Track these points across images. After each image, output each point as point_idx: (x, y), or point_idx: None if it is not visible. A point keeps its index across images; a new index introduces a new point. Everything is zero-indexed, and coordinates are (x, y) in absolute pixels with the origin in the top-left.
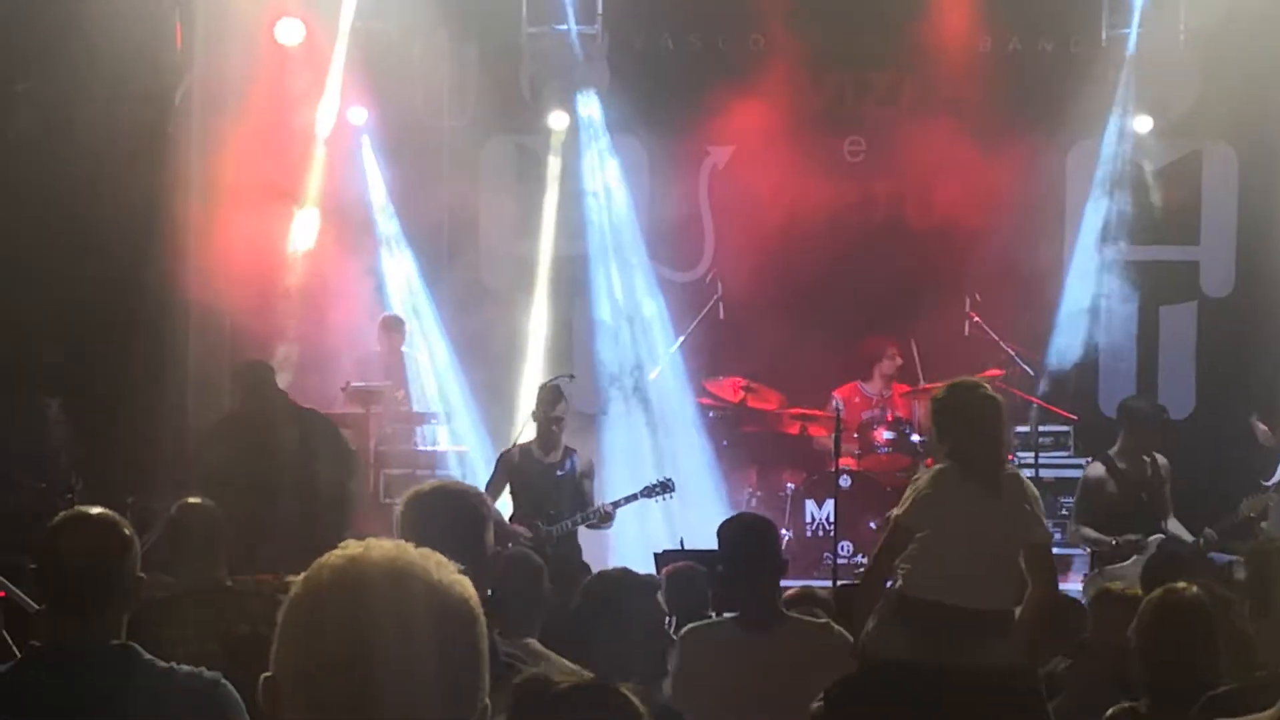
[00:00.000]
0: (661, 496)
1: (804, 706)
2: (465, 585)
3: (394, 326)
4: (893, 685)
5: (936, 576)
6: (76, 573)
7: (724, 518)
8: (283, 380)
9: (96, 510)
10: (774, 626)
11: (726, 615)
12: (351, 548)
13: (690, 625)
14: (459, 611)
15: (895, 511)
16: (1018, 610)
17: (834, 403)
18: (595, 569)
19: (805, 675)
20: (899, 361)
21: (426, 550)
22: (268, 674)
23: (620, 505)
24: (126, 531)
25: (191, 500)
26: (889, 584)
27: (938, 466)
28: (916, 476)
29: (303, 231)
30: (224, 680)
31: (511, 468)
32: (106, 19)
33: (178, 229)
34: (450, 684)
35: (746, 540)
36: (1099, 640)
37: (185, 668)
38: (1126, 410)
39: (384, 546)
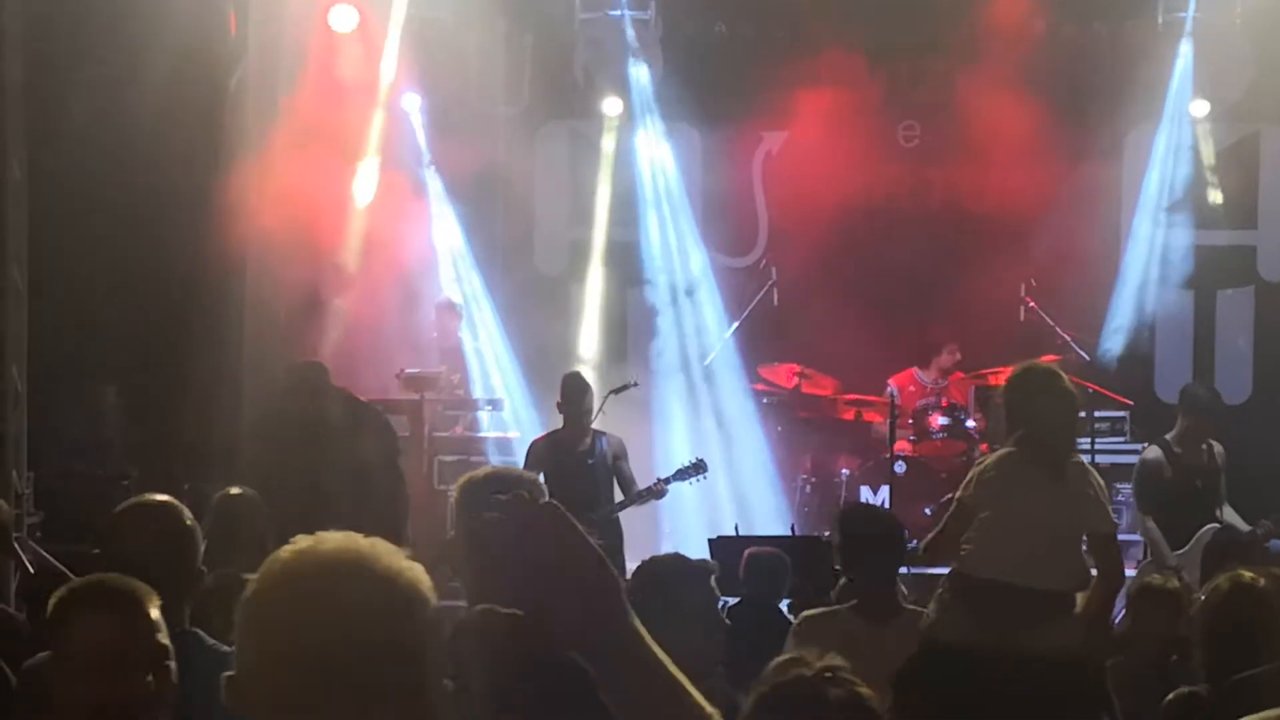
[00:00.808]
0: (695, 478)
1: None
2: (415, 573)
3: (451, 311)
4: (958, 668)
5: (996, 557)
6: (140, 559)
7: (778, 505)
8: (338, 367)
9: (160, 498)
10: (894, 617)
11: (843, 605)
12: (300, 541)
13: (808, 613)
14: (406, 600)
15: (958, 493)
16: (1079, 595)
17: (889, 389)
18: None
19: None
20: (958, 357)
21: (376, 540)
22: (229, 673)
23: (666, 485)
24: (189, 519)
25: (233, 491)
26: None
27: (1004, 449)
28: (981, 459)
29: (358, 218)
30: None
31: (540, 458)
32: (162, 7)
33: (233, 216)
34: (399, 673)
35: (871, 529)
36: (1139, 633)
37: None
38: (1187, 396)
39: (334, 539)
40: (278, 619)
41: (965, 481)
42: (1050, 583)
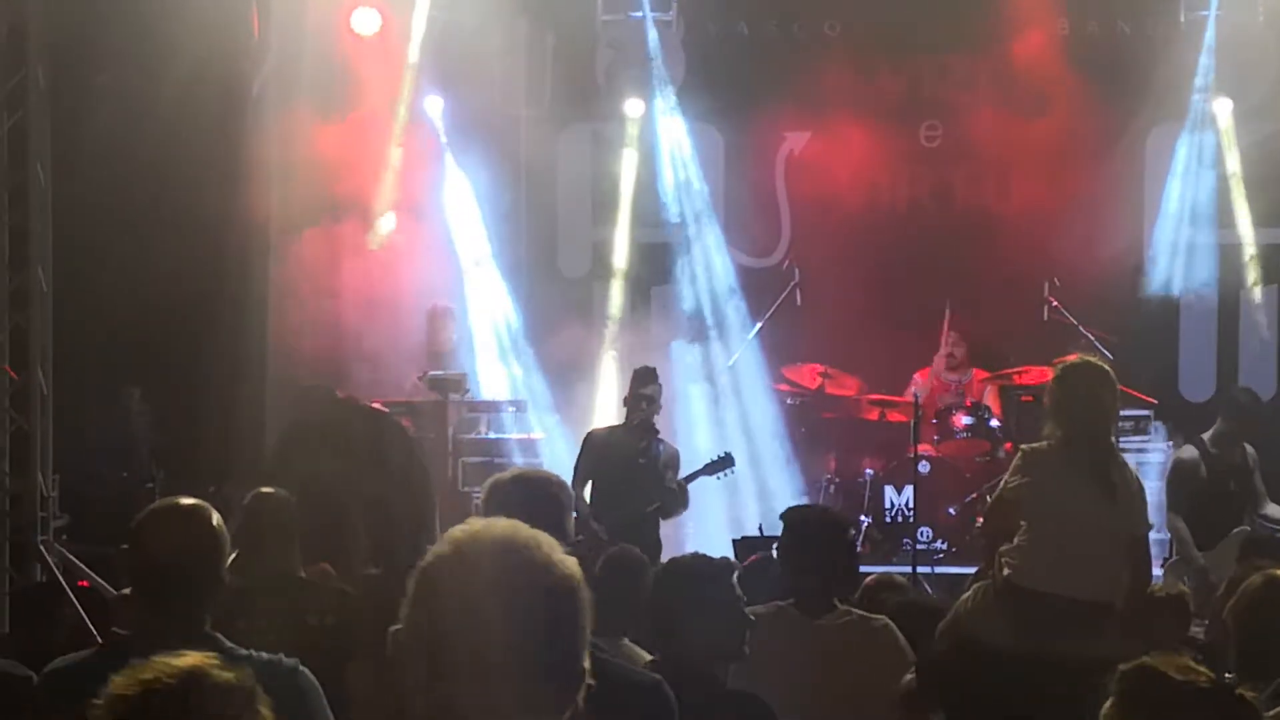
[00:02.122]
0: (723, 472)
1: (846, 700)
2: (570, 564)
3: (441, 316)
4: (991, 669)
5: (1045, 564)
6: (165, 563)
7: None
8: (360, 369)
9: (188, 501)
10: (828, 613)
11: (786, 601)
12: (473, 524)
13: (755, 609)
14: (562, 587)
15: (1000, 489)
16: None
17: (912, 389)
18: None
19: (848, 669)
20: (958, 348)
21: (538, 531)
22: (396, 626)
23: (687, 482)
24: (215, 523)
25: (265, 490)
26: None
27: (1042, 444)
28: (1024, 450)
29: (380, 220)
30: (302, 666)
31: (595, 447)
32: (184, 10)
33: (255, 219)
34: (552, 652)
35: (807, 531)
36: (1145, 641)
37: (264, 655)
38: (1229, 400)
39: (500, 524)
40: (443, 591)
41: (1008, 476)
42: (1097, 593)
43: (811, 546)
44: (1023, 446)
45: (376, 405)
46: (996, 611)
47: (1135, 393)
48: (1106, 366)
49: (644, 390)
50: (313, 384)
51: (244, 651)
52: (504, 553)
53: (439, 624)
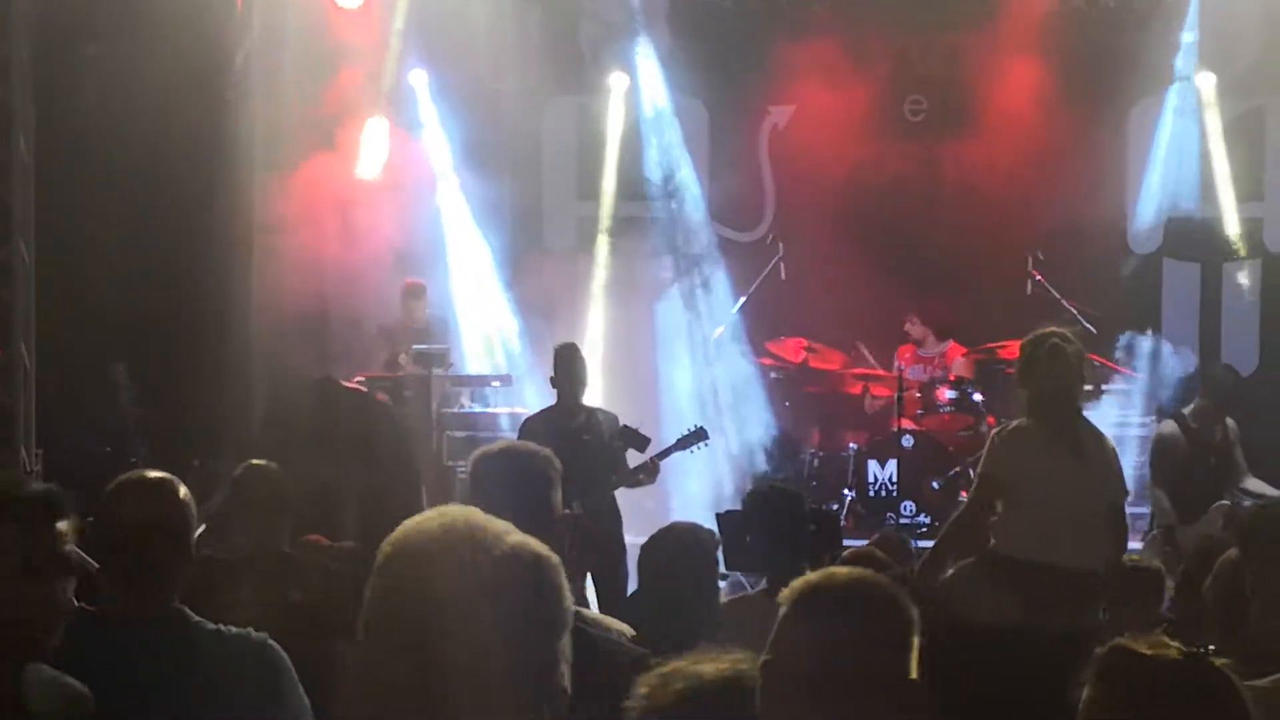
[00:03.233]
0: (697, 446)
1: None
2: (531, 548)
3: (413, 292)
4: (984, 644)
5: (1033, 535)
6: (131, 536)
7: (787, 480)
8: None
9: (154, 474)
10: None
11: (755, 590)
12: (428, 514)
13: (729, 599)
14: (517, 575)
15: (980, 467)
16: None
17: (896, 364)
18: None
19: None
20: (919, 329)
21: (493, 518)
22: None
23: (660, 459)
24: (182, 496)
25: (255, 462)
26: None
27: (1016, 421)
28: (999, 428)
29: (364, 193)
30: (271, 641)
31: (534, 436)
32: None
33: (240, 193)
34: (510, 641)
35: (766, 510)
36: (1120, 613)
37: (234, 630)
38: (1210, 378)
39: (453, 513)
40: (395, 582)
41: (985, 453)
42: (1082, 561)
43: (773, 525)
44: (995, 429)
45: (358, 386)
46: (986, 587)
47: (1117, 366)
48: (1071, 338)
49: (574, 371)
50: (295, 368)
51: (212, 626)
52: (456, 541)
53: (388, 615)
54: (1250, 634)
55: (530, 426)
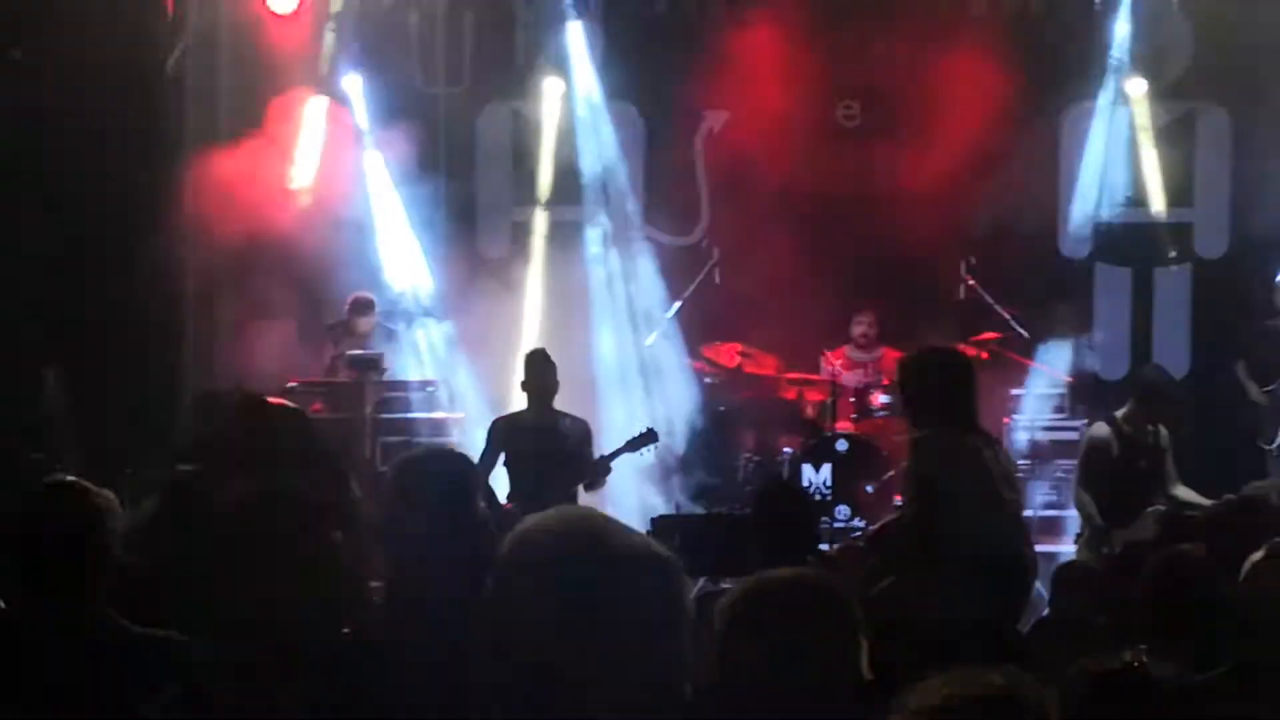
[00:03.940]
0: (646, 448)
1: None
2: (652, 549)
3: (360, 309)
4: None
5: (968, 535)
6: (45, 541)
7: (720, 484)
8: (280, 352)
9: (69, 479)
10: None
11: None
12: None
13: (712, 591)
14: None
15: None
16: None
17: (830, 368)
18: None
19: None
20: (870, 328)
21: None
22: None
23: (610, 460)
24: (99, 501)
25: (184, 468)
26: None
27: (933, 429)
28: (920, 436)
29: (298, 199)
30: (193, 643)
31: (501, 438)
32: None
33: (172, 197)
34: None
35: (783, 512)
36: (1060, 613)
37: (159, 632)
38: (1145, 381)
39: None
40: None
41: (915, 464)
42: (1017, 555)
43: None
44: (914, 437)
45: (285, 401)
46: (930, 587)
47: (1050, 370)
48: (959, 352)
49: (544, 377)
50: (214, 389)
51: (139, 630)
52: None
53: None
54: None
55: (497, 429)
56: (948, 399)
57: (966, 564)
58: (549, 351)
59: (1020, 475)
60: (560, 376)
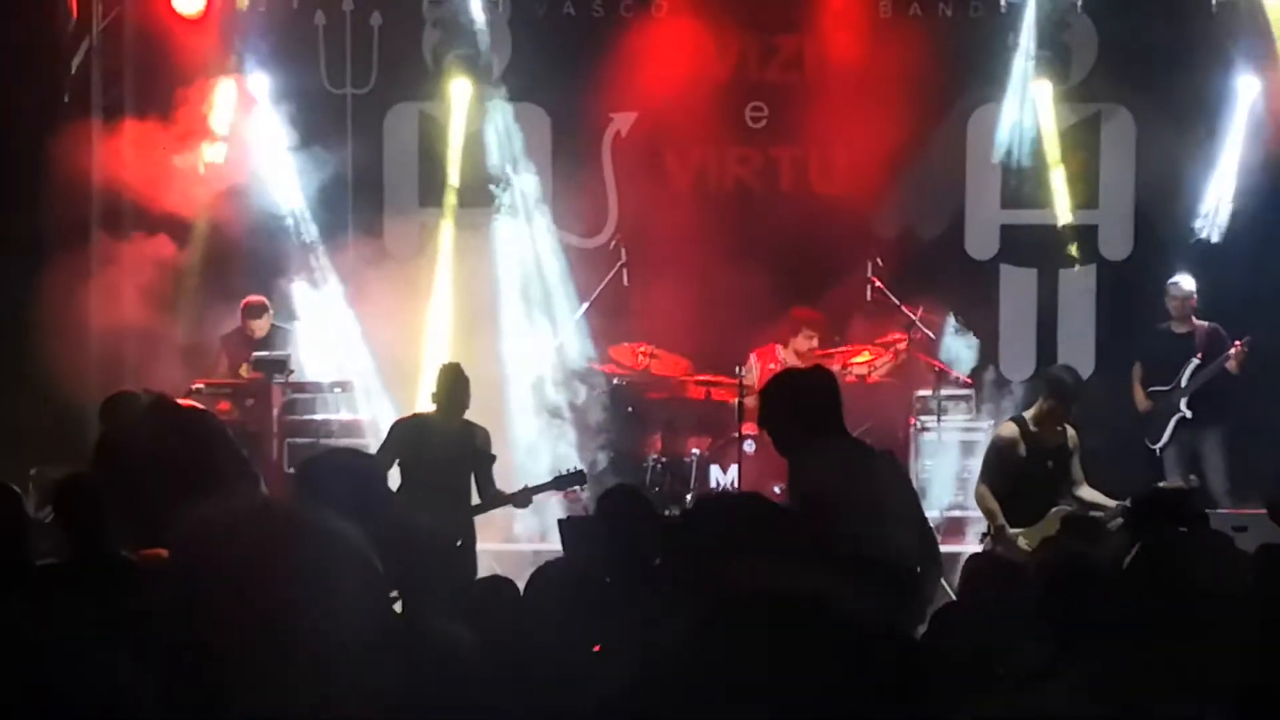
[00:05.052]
0: (575, 488)
1: None
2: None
3: (253, 313)
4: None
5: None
6: None
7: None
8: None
9: None
10: None
11: None
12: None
13: None
14: None
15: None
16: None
17: (736, 369)
18: (502, 537)
19: None
20: (814, 343)
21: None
22: None
23: (534, 493)
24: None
25: (74, 472)
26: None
27: (807, 448)
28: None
29: (205, 199)
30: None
31: (402, 440)
32: None
33: (78, 197)
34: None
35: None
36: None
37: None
38: (1053, 380)
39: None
40: None
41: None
42: (904, 557)
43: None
44: (799, 449)
45: (193, 403)
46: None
47: (954, 372)
48: (820, 368)
49: (454, 392)
50: (122, 391)
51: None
52: None
53: None
54: None
55: (400, 430)
56: (817, 416)
57: (855, 571)
58: (458, 355)
59: (916, 479)
60: (468, 375)
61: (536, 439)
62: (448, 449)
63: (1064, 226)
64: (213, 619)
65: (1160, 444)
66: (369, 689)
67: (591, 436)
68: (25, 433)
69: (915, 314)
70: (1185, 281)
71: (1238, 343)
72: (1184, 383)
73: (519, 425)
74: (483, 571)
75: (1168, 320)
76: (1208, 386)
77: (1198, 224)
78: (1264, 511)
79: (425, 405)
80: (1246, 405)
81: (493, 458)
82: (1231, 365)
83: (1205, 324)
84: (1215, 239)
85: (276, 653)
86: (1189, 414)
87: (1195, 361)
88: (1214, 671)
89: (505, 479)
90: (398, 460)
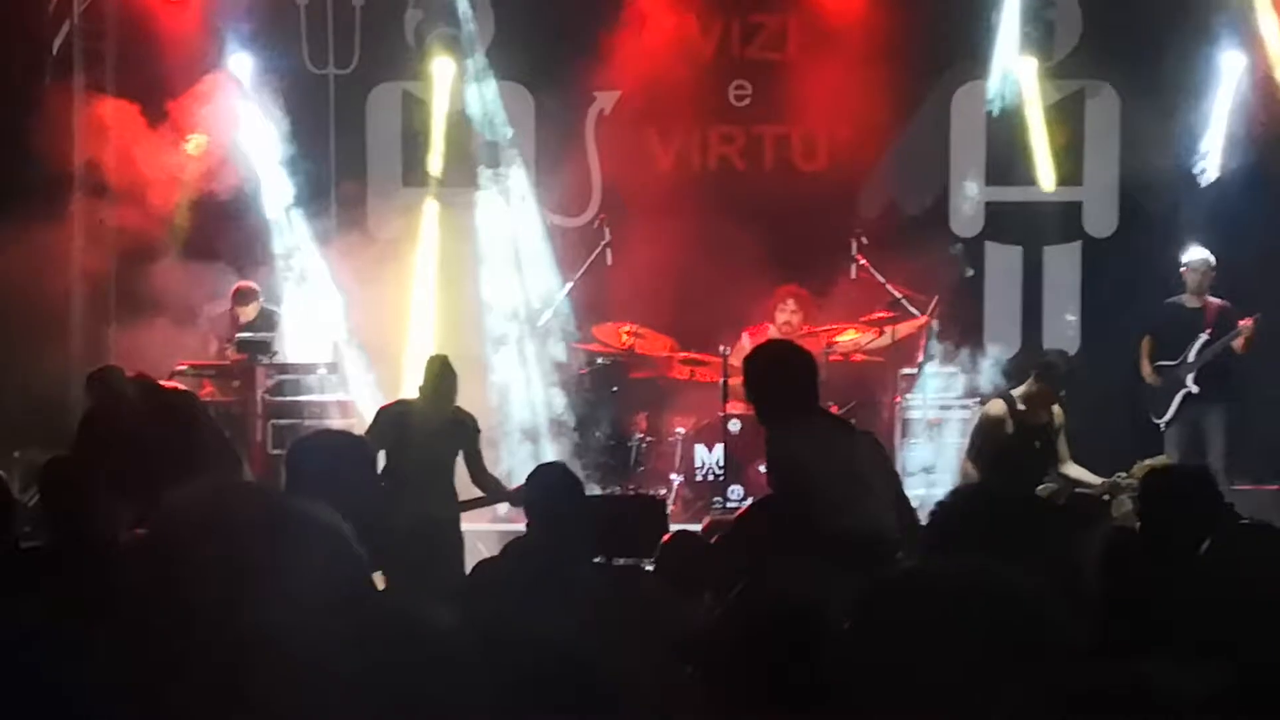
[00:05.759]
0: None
1: None
2: None
3: (243, 299)
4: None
5: (837, 512)
6: None
7: (614, 465)
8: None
9: None
10: None
11: None
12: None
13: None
14: None
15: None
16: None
17: (721, 349)
18: (488, 517)
19: None
20: (797, 314)
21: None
22: None
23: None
24: None
25: (58, 455)
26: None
27: (785, 423)
28: (773, 432)
29: (188, 181)
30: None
31: (389, 426)
32: None
33: (60, 183)
34: None
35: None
36: None
37: (49, 622)
38: (1043, 364)
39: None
40: None
41: (780, 456)
42: (883, 530)
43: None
44: (769, 433)
45: (176, 384)
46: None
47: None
48: (795, 345)
49: (440, 384)
50: (107, 367)
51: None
52: None
53: None
54: None
55: (385, 416)
56: (792, 392)
57: (833, 547)
58: (442, 334)
59: (900, 458)
60: (451, 355)
61: (519, 415)
62: (434, 435)
63: (1048, 203)
64: (182, 597)
65: (1165, 419)
66: (333, 660)
67: (576, 416)
68: (7, 415)
69: (900, 292)
70: (1204, 253)
71: (1248, 319)
72: (1191, 358)
73: (501, 403)
74: (469, 552)
75: (1180, 293)
76: (1214, 362)
77: (1182, 200)
78: (1251, 488)
79: (410, 391)
80: (1251, 382)
81: (479, 433)
82: (1239, 344)
83: (1217, 300)
84: (1199, 216)
85: (244, 629)
86: (1195, 389)
87: (1204, 337)
88: None
89: (490, 469)
90: (383, 446)
